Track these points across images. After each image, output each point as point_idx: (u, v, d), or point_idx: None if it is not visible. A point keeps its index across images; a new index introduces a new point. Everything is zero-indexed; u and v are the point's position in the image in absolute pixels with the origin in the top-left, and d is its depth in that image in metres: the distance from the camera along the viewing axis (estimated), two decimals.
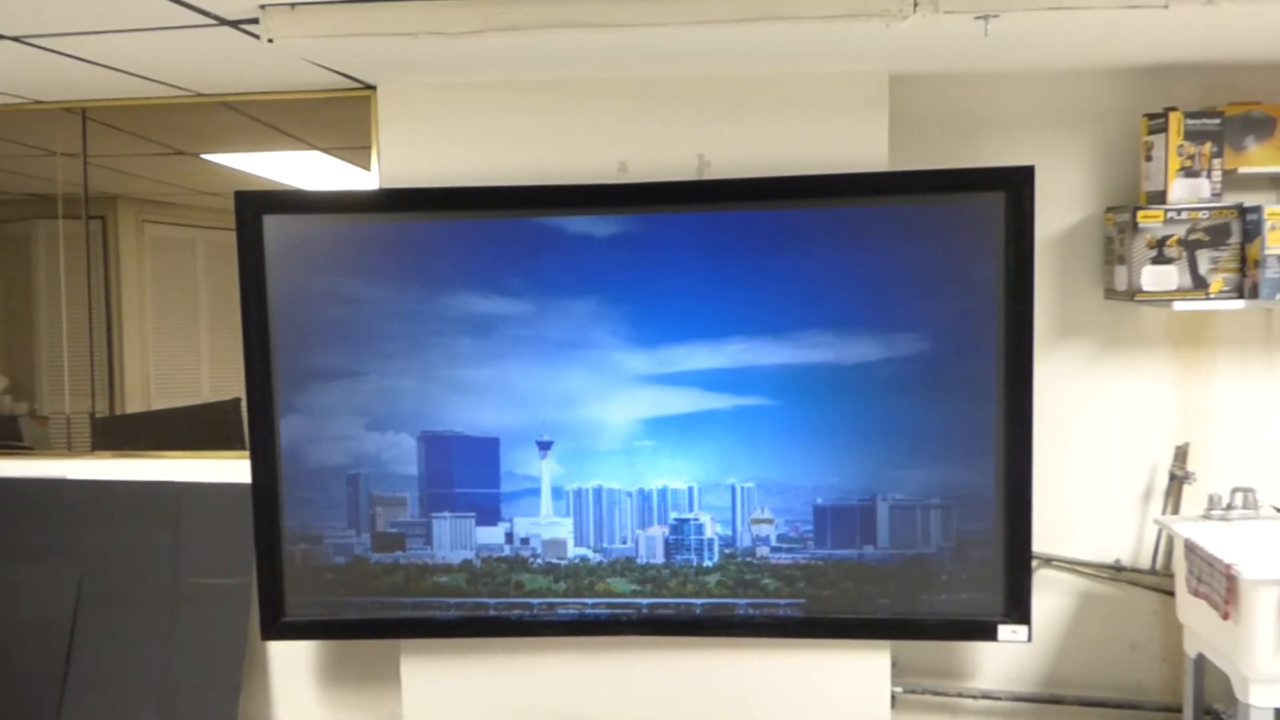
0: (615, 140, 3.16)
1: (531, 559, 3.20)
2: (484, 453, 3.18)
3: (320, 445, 3.22)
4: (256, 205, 3.16)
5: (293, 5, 2.47)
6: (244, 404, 3.22)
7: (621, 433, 3.14)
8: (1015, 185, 2.95)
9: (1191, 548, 2.87)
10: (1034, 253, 2.96)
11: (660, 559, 3.17)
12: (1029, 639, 3.09)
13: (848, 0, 2.39)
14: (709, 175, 3.14)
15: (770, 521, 3.14)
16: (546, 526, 3.18)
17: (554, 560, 3.20)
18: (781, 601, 3.15)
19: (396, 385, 3.18)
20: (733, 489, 3.14)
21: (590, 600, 3.20)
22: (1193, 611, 2.93)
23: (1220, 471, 3.29)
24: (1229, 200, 3.00)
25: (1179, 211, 2.97)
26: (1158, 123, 3.03)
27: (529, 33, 2.50)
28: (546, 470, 3.16)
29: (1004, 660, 3.45)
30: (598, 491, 3.17)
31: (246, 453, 3.25)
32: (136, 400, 3.80)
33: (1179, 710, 3.25)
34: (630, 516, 3.17)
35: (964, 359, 3.03)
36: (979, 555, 3.08)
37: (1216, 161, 2.99)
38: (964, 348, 3.03)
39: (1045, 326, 3.26)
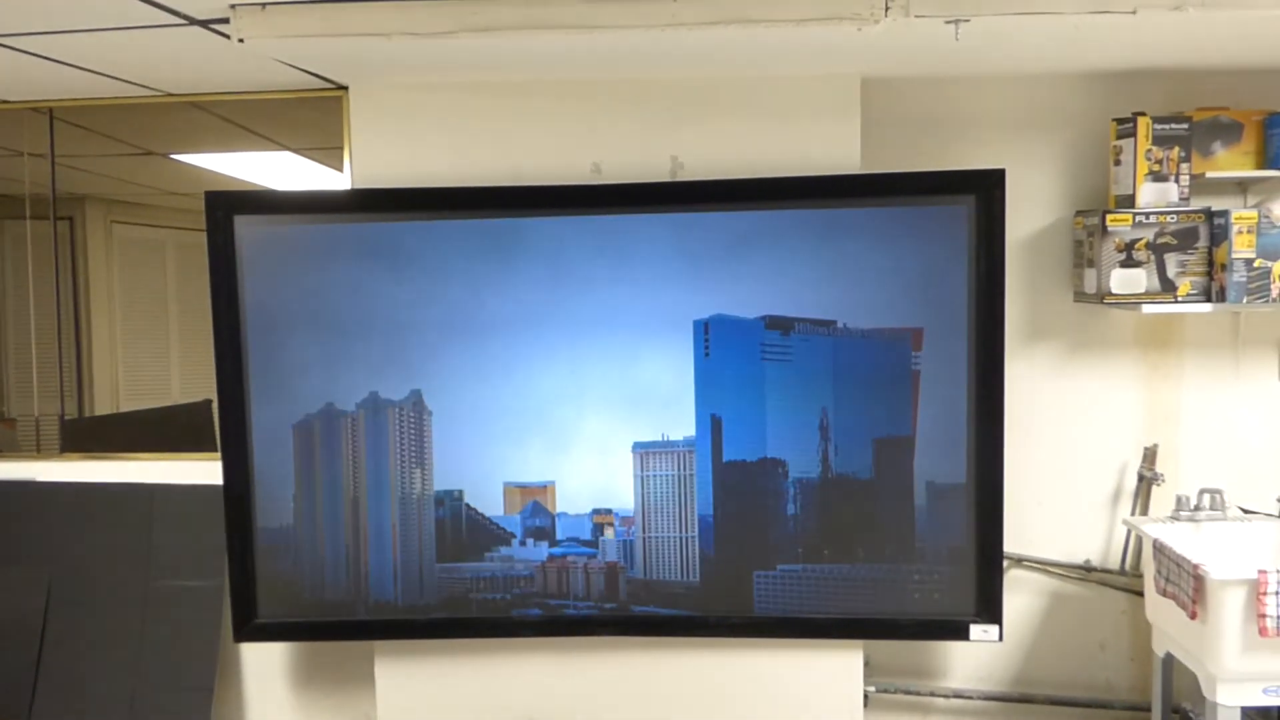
0: (589, 142, 3.16)
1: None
2: None
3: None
4: (227, 205, 3.13)
5: (264, 5, 2.45)
6: (215, 405, 3.20)
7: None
8: (986, 188, 2.97)
9: (1160, 548, 2.90)
10: (1005, 255, 2.98)
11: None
12: (1000, 638, 3.11)
13: (820, 4, 2.40)
14: (682, 177, 3.14)
15: None
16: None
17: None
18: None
19: (370, 386, 3.17)
20: None
21: (564, 601, 3.20)
22: (1161, 611, 2.96)
23: (1188, 473, 3.33)
24: (1197, 204, 3.03)
25: (1147, 215, 3.00)
26: (1126, 127, 3.06)
27: (502, 34, 2.49)
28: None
29: (975, 660, 3.47)
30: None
31: (217, 454, 3.23)
32: (106, 402, 3.77)
33: (1148, 709, 3.28)
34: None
35: (935, 360, 3.05)
36: (951, 555, 3.10)
37: (1184, 166, 3.02)
38: (935, 349, 3.05)
39: (1015, 329, 3.28)
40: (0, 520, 3.54)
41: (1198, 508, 3.12)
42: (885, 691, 3.46)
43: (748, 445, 3.12)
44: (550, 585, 3.21)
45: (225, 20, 2.49)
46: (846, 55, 2.87)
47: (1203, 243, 3.01)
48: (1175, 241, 3.01)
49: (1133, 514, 3.35)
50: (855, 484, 3.11)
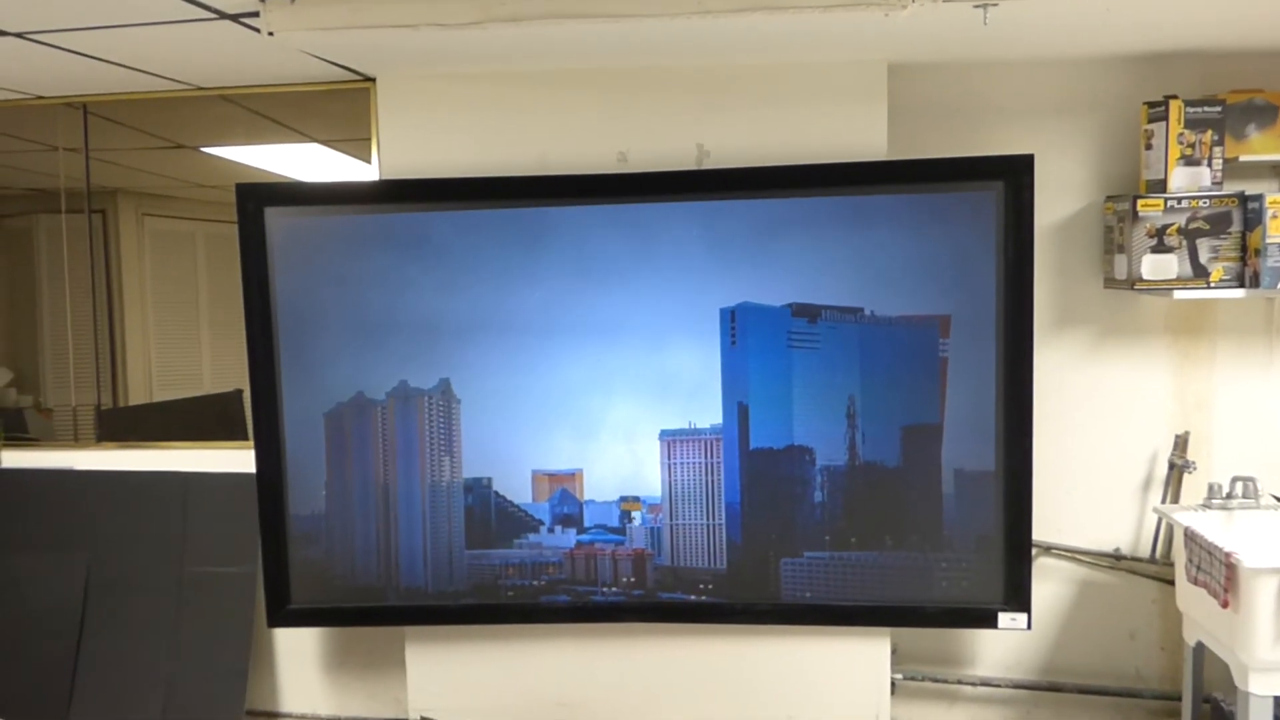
0: (615, 130, 3.17)
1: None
2: None
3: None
4: (258, 198, 3.17)
5: None
6: (246, 394, 3.24)
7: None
8: (1015, 174, 2.95)
9: (1191, 536, 2.88)
10: (1033, 241, 2.96)
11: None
12: (1028, 627, 3.10)
13: None
14: (708, 165, 3.14)
15: None
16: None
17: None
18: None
19: (399, 375, 3.19)
20: None
21: (592, 587, 3.23)
22: (1192, 600, 2.94)
23: (1220, 460, 3.30)
24: (1230, 189, 3.00)
25: (1179, 200, 2.97)
26: (1158, 111, 3.03)
27: (529, 24, 2.50)
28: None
29: (1003, 648, 3.46)
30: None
31: (250, 443, 3.28)
32: (139, 392, 3.83)
33: (1178, 698, 3.26)
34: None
35: (963, 348, 3.03)
36: (979, 543, 3.09)
37: (1217, 150, 2.98)
38: (963, 336, 3.03)
39: (1045, 316, 3.26)
40: (40, 507, 3.61)
41: (1230, 495, 3.09)
42: (913, 679, 3.46)
43: (775, 433, 3.12)
44: (578, 572, 3.24)
45: (255, 14, 2.51)
46: (873, 41, 2.86)
47: (1236, 227, 2.97)
48: (1208, 226, 2.98)
49: (1163, 502, 3.33)
50: (883, 471, 3.11)
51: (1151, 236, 2.98)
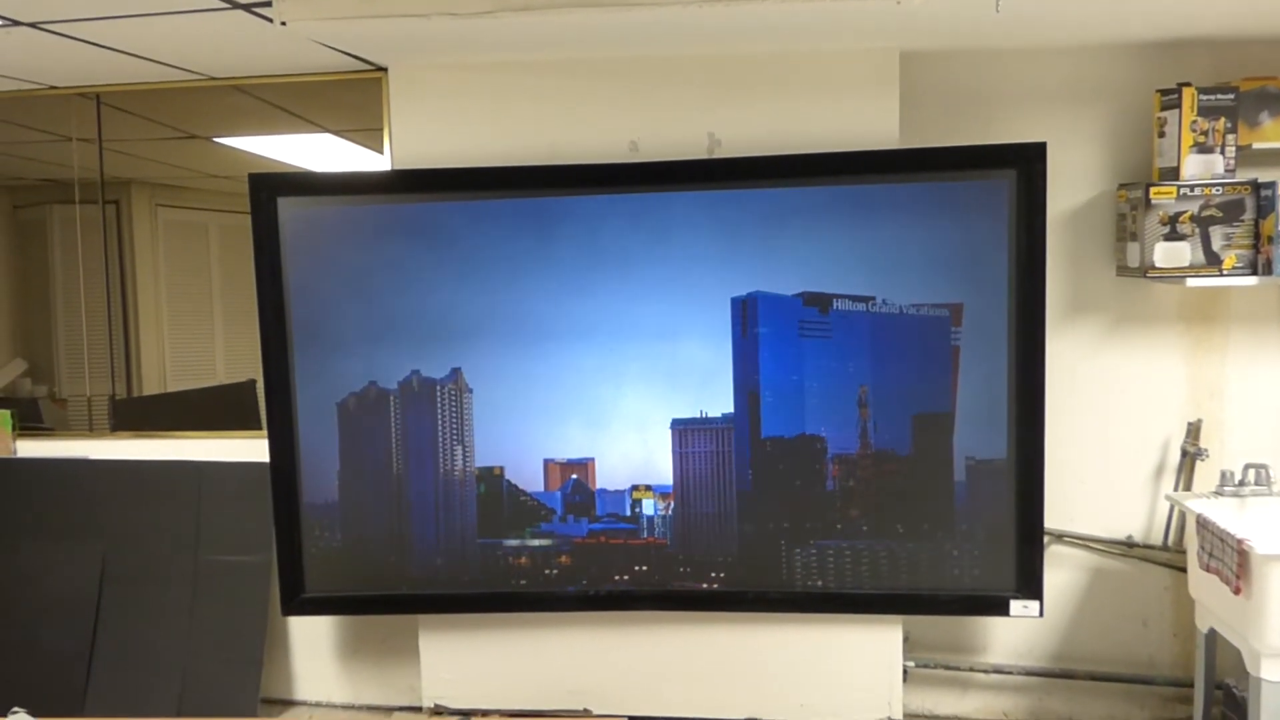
0: (626, 120, 3.17)
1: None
2: None
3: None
4: (270, 188, 3.18)
5: None
6: (260, 385, 3.26)
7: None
8: (1027, 162, 2.94)
9: (1203, 523, 2.88)
10: (1046, 230, 2.95)
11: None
12: (1041, 614, 3.11)
13: None
14: (720, 154, 3.14)
15: None
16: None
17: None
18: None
19: (412, 365, 3.21)
20: None
21: (604, 575, 3.24)
22: (1204, 587, 2.94)
23: (1233, 448, 3.29)
24: (1243, 176, 2.98)
25: (1192, 188, 2.96)
26: (1171, 98, 3.01)
27: (540, 13, 2.51)
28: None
29: (1016, 635, 3.47)
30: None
31: (263, 432, 3.29)
32: (153, 382, 3.85)
33: (1190, 685, 3.26)
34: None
35: (975, 336, 3.03)
36: (991, 531, 3.10)
37: (1230, 137, 2.97)
38: (975, 325, 3.03)
39: (1057, 304, 3.26)
40: (55, 497, 3.63)
41: (1242, 483, 3.09)
42: (925, 666, 3.47)
43: (786, 421, 3.12)
44: (590, 560, 3.25)
45: (267, 3, 2.52)
46: (885, 29, 2.85)
47: (1249, 215, 2.96)
48: (1220, 214, 2.97)
49: (1176, 489, 3.32)
50: (894, 460, 3.11)
51: (1164, 224, 2.98)
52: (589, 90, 3.17)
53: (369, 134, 3.45)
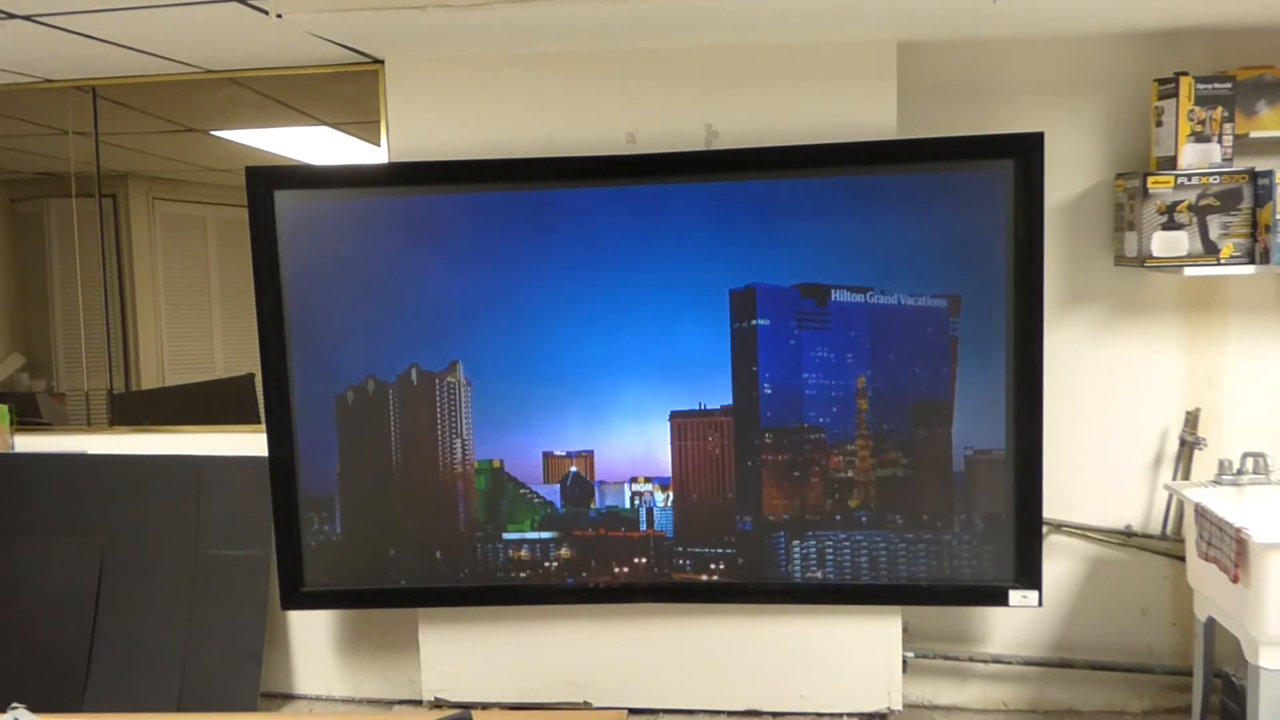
0: (623, 112, 3.16)
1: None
2: None
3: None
4: (268, 181, 3.17)
5: None
6: (258, 378, 3.26)
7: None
8: (1025, 152, 2.95)
9: (1202, 512, 2.88)
10: (1044, 220, 2.95)
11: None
12: (1040, 604, 3.12)
13: None
14: (717, 145, 3.13)
15: None
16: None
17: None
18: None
19: (410, 358, 3.20)
20: None
21: (604, 568, 3.24)
22: (1203, 576, 2.94)
23: (1231, 437, 3.29)
24: (1240, 165, 2.98)
25: (1190, 177, 2.96)
26: (1168, 88, 3.01)
27: (536, 4, 2.50)
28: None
29: (1015, 625, 3.47)
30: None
31: (262, 426, 3.29)
32: (151, 376, 3.84)
33: (1189, 674, 3.27)
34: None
35: (973, 326, 3.03)
36: (990, 521, 3.10)
37: (1228, 126, 2.97)
38: (973, 315, 3.03)
39: (1055, 293, 3.26)
40: (54, 491, 3.63)
41: (1240, 471, 3.09)
42: (924, 657, 3.48)
43: (785, 413, 3.13)
44: (590, 552, 3.25)
45: None
46: (882, 19, 2.85)
47: (1246, 204, 2.96)
48: (1218, 203, 2.97)
49: (1174, 478, 3.33)
50: (893, 451, 3.12)
51: (1162, 213, 2.98)
52: (586, 82, 3.17)
53: (366, 127, 3.45)
